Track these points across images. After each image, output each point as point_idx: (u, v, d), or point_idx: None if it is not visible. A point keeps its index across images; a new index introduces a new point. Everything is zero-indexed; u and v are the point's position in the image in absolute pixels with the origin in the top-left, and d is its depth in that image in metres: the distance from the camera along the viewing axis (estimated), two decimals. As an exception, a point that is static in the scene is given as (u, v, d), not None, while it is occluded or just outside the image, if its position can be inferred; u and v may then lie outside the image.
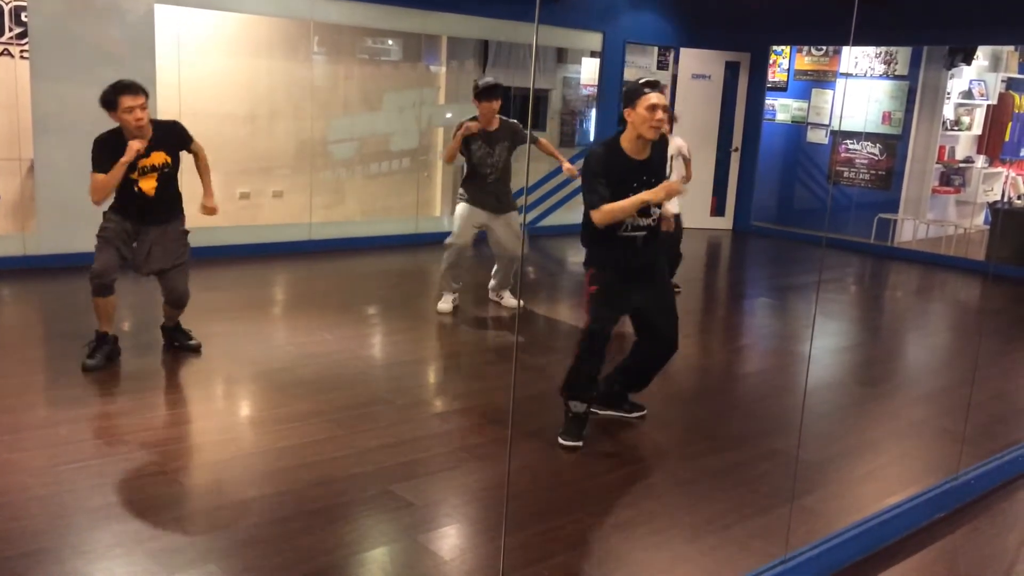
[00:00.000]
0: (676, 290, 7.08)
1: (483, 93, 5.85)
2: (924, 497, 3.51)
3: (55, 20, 6.67)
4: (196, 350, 5.03)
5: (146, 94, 4.64)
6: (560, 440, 4.03)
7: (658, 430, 4.35)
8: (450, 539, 3.17)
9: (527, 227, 9.88)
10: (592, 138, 10.48)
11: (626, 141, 3.97)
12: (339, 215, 9.19)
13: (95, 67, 6.90)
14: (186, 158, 4.93)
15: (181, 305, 4.96)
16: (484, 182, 6.01)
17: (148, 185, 4.69)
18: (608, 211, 3.90)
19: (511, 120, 6.08)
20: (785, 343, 6.26)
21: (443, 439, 4.03)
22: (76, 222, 6.99)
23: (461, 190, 6.15)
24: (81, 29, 6.79)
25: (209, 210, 4.91)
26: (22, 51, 7.30)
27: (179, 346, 5.06)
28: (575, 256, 9.16)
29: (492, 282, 6.54)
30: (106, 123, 6.95)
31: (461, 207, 6.11)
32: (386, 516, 3.29)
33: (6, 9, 7.37)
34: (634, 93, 3.91)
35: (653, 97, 3.86)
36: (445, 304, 6.23)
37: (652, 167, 4.02)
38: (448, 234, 6.17)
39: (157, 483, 3.44)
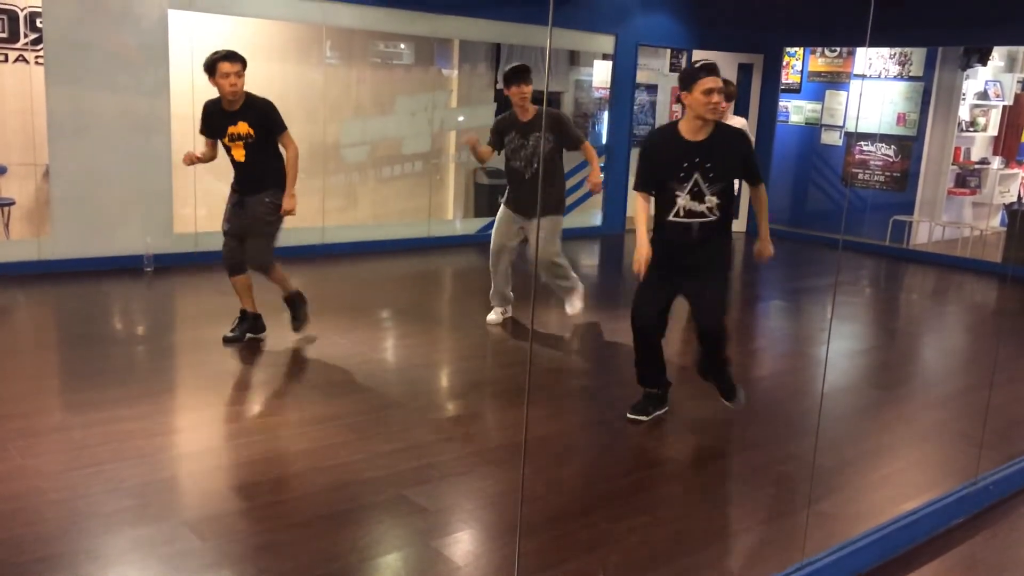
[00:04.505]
0: None
1: (510, 77, 5.52)
2: (942, 502, 3.48)
3: (70, 26, 6.71)
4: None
5: (244, 64, 4.97)
6: (627, 413, 4.35)
7: (673, 434, 4.33)
8: (464, 544, 3.16)
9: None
10: (604, 141, 10.46)
11: (684, 123, 4.12)
12: (351, 219, 9.20)
13: (109, 72, 6.95)
14: None
15: (257, 266, 5.21)
16: (520, 179, 5.66)
17: (238, 152, 5.10)
18: (639, 204, 4.19)
19: (555, 110, 5.72)
20: (800, 346, 6.22)
21: (456, 443, 4.01)
22: (91, 227, 7.04)
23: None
24: (95, 35, 6.83)
25: (287, 211, 5.18)
26: (37, 57, 7.34)
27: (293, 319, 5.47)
28: (588, 259, 9.15)
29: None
30: (121, 126, 7.01)
31: (500, 210, 5.84)
32: (399, 521, 3.28)
33: (21, 15, 7.43)
34: (690, 77, 4.02)
35: (709, 81, 3.97)
36: (494, 316, 6.03)
37: (708, 150, 4.07)
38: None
39: (171, 488, 3.44)
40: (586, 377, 5.33)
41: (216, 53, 4.96)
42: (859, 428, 4.51)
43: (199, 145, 5.33)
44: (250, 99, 5.08)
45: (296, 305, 5.45)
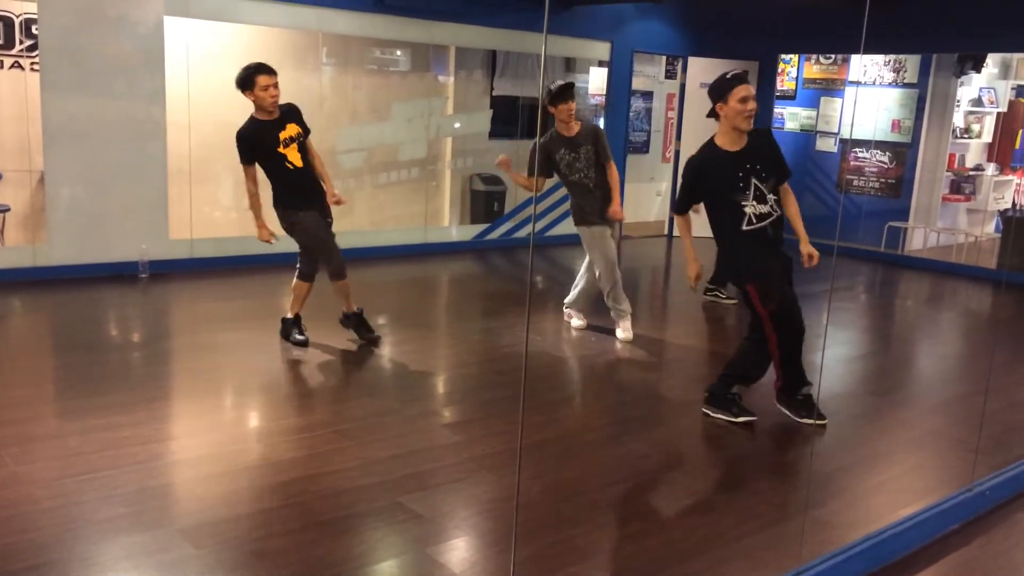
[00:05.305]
0: (731, 301, 7.06)
1: (557, 95, 5.64)
2: (938, 508, 3.48)
3: (65, 32, 6.71)
4: (375, 343, 5.50)
5: (275, 73, 5.05)
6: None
7: (669, 441, 4.33)
8: (459, 551, 3.15)
9: (536, 236, 9.89)
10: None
11: (721, 136, 4.23)
12: (347, 225, 9.16)
13: (105, 79, 6.94)
14: None
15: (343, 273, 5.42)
16: (586, 190, 5.76)
17: (295, 156, 5.16)
18: (681, 223, 4.45)
19: (593, 124, 5.91)
20: (796, 352, 6.21)
21: (452, 450, 4.01)
22: (87, 233, 7.03)
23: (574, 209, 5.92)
24: (91, 41, 6.82)
25: (337, 200, 5.40)
26: (32, 63, 7.34)
27: (362, 339, 5.50)
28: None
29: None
30: (117, 132, 7.00)
31: (584, 232, 5.81)
32: (395, 528, 3.27)
33: (16, 21, 7.43)
34: (724, 87, 4.14)
35: (743, 90, 4.11)
36: (580, 321, 6.18)
37: (753, 154, 4.21)
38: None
39: (166, 495, 3.43)
40: (583, 383, 5.33)
41: (248, 67, 5.00)
42: (855, 434, 4.51)
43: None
44: (281, 106, 5.15)
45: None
